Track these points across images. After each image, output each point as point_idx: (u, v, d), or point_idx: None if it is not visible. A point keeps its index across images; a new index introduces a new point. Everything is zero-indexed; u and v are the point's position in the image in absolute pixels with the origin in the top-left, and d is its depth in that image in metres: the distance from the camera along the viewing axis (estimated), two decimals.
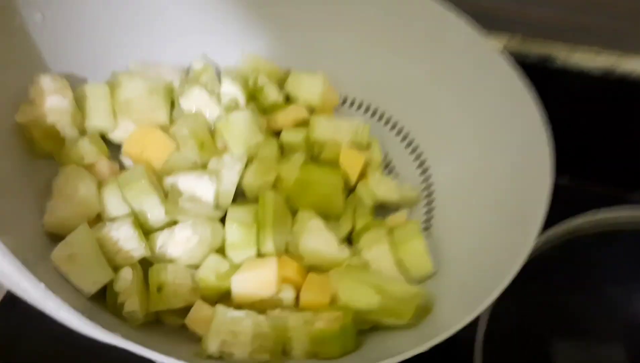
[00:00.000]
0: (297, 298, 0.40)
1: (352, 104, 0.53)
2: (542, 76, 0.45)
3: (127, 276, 0.36)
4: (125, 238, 0.37)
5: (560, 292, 0.51)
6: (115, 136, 0.44)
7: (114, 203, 0.39)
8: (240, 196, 0.45)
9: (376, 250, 0.42)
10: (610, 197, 0.57)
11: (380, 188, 0.46)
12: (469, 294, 0.38)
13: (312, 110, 0.50)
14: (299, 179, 0.44)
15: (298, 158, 0.46)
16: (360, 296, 0.38)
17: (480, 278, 0.38)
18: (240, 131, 0.45)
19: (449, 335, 0.33)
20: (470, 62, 0.46)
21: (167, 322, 0.38)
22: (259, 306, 0.39)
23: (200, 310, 0.38)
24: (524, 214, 0.38)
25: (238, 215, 0.41)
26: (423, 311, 0.37)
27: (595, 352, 0.51)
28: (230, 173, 0.43)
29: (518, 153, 0.41)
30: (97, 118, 0.43)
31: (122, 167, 0.44)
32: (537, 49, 0.51)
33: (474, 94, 0.46)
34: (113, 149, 0.44)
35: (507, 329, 0.46)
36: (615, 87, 0.50)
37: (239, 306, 0.39)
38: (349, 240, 0.45)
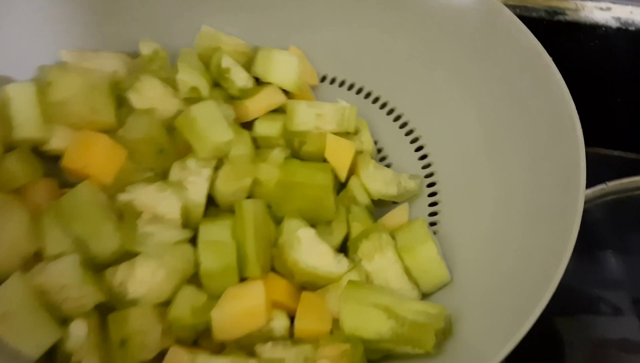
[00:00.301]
0: (291, 324, 0.34)
1: (332, 81, 0.45)
2: (550, 32, 0.39)
3: (79, 331, 0.29)
4: (72, 283, 0.30)
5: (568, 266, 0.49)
6: (50, 147, 0.36)
7: (55, 236, 0.32)
8: (211, 203, 0.38)
9: (379, 260, 0.36)
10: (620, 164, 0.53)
11: (375, 182, 0.40)
12: (495, 307, 0.32)
13: (287, 94, 0.42)
14: (281, 181, 0.37)
15: (277, 155, 0.39)
16: (368, 323, 0.32)
17: (507, 286, 0.32)
18: (205, 127, 0.37)
19: None
20: (468, 27, 0.39)
21: None
22: (247, 342, 0.33)
23: (176, 358, 0.31)
24: (558, 203, 0.32)
25: (212, 234, 0.34)
26: (443, 335, 0.32)
27: (608, 326, 0.47)
28: (197, 182, 0.36)
29: (539, 128, 0.35)
30: (26, 128, 0.35)
31: (63, 185, 0.36)
32: (543, 1, 0.44)
33: (475, 63, 0.39)
34: (50, 164, 0.36)
35: None
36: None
37: (222, 345, 0.33)
38: (344, 247, 0.38)
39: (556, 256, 0.30)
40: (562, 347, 0.47)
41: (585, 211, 0.51)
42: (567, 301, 0.50)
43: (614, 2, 0.44)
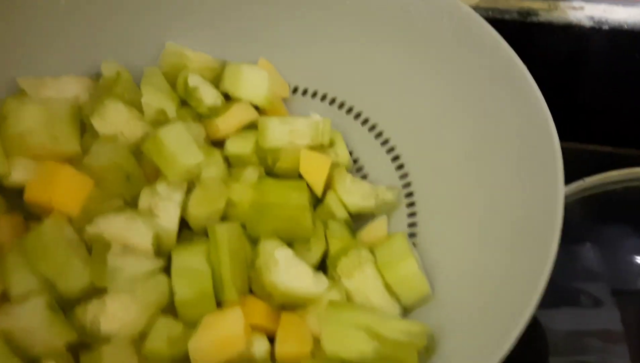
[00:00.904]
0: (272, 344, 0.33)
1: (304, 92, 0.44)
2: (523, 33, 0.38)
3: None
4: (40, 326, 0.28)
5: None
6: (12, 181, 0.34)
7: (21, 276, 0.30)
8: (185, 226, 0.37)
9: (359, 277, 0.35)
10: (599, 159, 0.53)
11: (353, 196, 0.39)
12: (478, 322, 0.32)
13: (258, 109, 0.41)
14: (255, 202, 0.36)
15: (250, 175, 0.38)
16: (350, 344, 0.31)
17: (489, 300, 0.32)
18: (173, 150, 0.36)
19: None
20: (442, 31, 0.38)
21: None
22: None
23: None
24: (536, 213, 0.31)
25: (185, 261, 0.33)
26: (426, 353, 0.31)
27: (589, 318, 0.48)
28: (168, 207, 0.35)
29: (517, 139, 0.34)
30: None
31: (27, 218, 0.34)
32: (515, 2, 0.44)
33: (448, 71, 0.38)
34: (11, 198, 0.35)
35: None
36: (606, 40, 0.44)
37: None
38: (323, 263, 0.37)
39: (538, 271, 0.30)
40: (545, 340, 0.47)
41: (564, 208, 0.51)
42: (548, 295, 0.50)
43: (587, 1, 0.44)
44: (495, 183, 0.35)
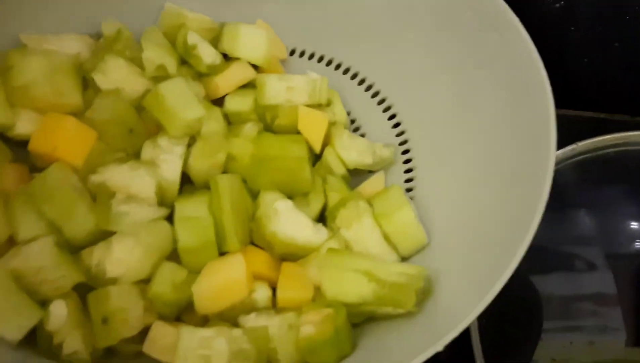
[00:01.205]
0: (273, 295, 0.34)
1: (302, 54, 0.45)
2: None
3: (59, 311, 0.29)
4: (48, 265, 0.29)
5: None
6: (16, 132, 0.35)
7: (28, 220, 0.31)
8: (186, 182, 0.37)
9: (357, 227, 0.36)
10: (592, 125, 0.54)
11: (350, 151, 0.40)
12: (471, 266, 0.33)
13: (256, 68, 0.42)
14: (255, 155, 0.37)
15: (250, 130, 0.39)
16: (349, 287, 0.32)
17: (483, 245, 0.33)
18: (174, 105, 0.36)
19: (465, 326, 0.27)
20: None
21: (122, 350, 0.31)
22: (230, 314, 0.33)
23: (160, 333, 0.31)
24: (530, 163, 0.32)
25: (188, 210, 0.34)
26: (423, 295, 0.32)
27: (583, 282, 0.49)
28: (170, 159, 0.36)
29: (509, 89, 0.35)
30: None
31: (32, 170, 0.35)
32: None
33: (442, 27, 0.39)
34: (17, 149, 0.35)
35: None
36: None
37: (205, 319, 0.33)
38: (322, 218, 0.38)
39: (529, 214, 0.30)
40: (539, 304, 0.48)
41: (556, 172, 0.52)
42: (542, 260, 0.51)
43: None
44: (488, 134, 0.36)
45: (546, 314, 0.48)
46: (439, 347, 0.27)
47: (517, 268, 0.53)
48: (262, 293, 0.34)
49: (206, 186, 0.36)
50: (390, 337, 0.31)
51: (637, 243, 0.51)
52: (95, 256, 0.31)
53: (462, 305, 0.29)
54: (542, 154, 0.32)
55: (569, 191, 0.51)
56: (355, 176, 0.41)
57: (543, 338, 0.47)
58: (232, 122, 0.40)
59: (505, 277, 0.29)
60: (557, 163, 0.48)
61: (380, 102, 0.43)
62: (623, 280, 0.50)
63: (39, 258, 0.29)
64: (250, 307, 0.33)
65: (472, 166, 0.37)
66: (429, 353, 0.26)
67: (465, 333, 0.38)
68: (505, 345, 0.46)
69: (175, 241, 0.33)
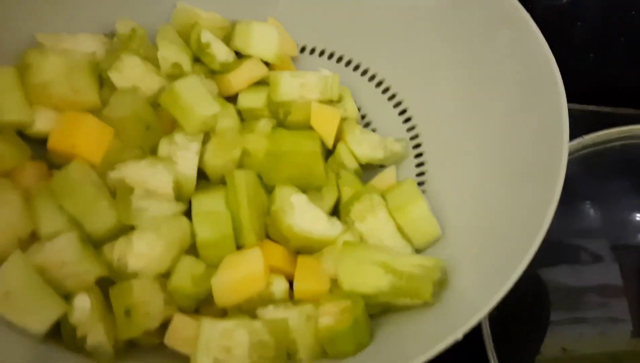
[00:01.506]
0: (290, 288, 0.35)
1: (312, 51, 0.45)
2: None
3: (83, 304, 0.29)
4: (72, 259, 0.30)
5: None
6: (35, 130, 0.35)
7: (49, 216, 0.31)
8: (202, 179, 0.38)
9: (372, 220, 0.36)
10: (598, 119, 0.54)
11: (362, 146, 0.40)
12: (486, 259, 0.33)
13: (268, 65, 0.43)
14: (270, 151, 0.38)
15: (264, 126, 0.39)
16: (366, 278, 0.33)
17: (497, 238, 0.33)
18: (190, 102, 0.37)
19: (483, 315, 0.28)
20: None
21: (143, 343, 0.32)
22: (248, 306, 0.34)
23: (181, 325, 0.31)
24: (543, 156, 0.33)
25: (206, 205, 0.35)
26: (439, 286, 0.32)
27: (589, 274, 0.49)
28: (187, 155, 0.36)
29: (520, 85, 0.36)
30: (9, 111, 0.34)
31: (50, 167, 0.35)
32: None
33: (453, 22, 0.40)
34: (36, 147, 0.36)
35: None
36: None
37: (223, 312, 0.34)
38: (335, 212, 0.39)
39: (543, 208, 0.31)
40: (547, 296, 0.49)
41: None
42: (549, 253, 0.51)
43: None
44: (500, 129, 0.37)
45: (553, 305, 0.49)
46: (459, 334, 0.27)
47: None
48: (279, 286, 0.34)
49: (222, 182, 0.37)
50: (408, 327, 0.32)
51: None
52: (117, 251, 0.32)
53: (478, 296, 0.30)
54: (556, 149, 0.32)
55: (575, 184, 0.51)
56: (367, 171, 0.41)
57: (551, 329, 0.47)
58: (245, 119, 0.41)
59: (521, 268, 0.29)
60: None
61: (391, 97, 0.43)
62: (629, 271, 0.50)
63: (63, 252, 0.30)
64: (267, 300, 0.34)
65: (484, 161, 0.37)
66: (448, 341, 0.27)
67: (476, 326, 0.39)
68: (514, 336, 0.46)
69: (193, 235, 0.34)
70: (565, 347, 0.47)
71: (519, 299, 0.50)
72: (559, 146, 0.32)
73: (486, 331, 0.40)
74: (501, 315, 0.42)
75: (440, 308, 0.32)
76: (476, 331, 0.39)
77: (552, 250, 0.52)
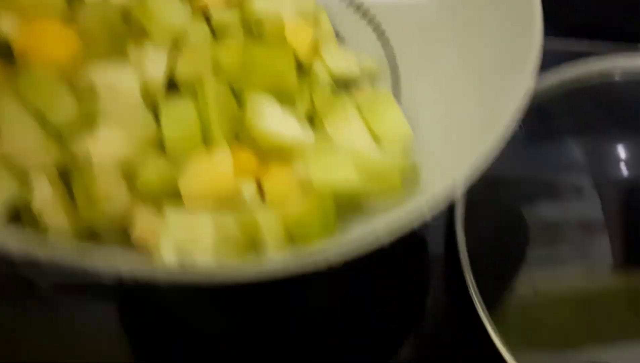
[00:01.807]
0: (261, 192, 0.34)
1: None
2: None
3: (43, 185, 0.29)
4: (34, 146, 0.29)
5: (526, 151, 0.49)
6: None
7: (12, 110, 0.31)
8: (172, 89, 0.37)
9: (345, 127, 0.36)
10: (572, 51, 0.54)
11: (338, 62, 0.40)
12: (457, 153, 0.33)
13: None
14: (242, 62, 0.37)
15: (236, 40, 0.39)
16: (337, 172, 0.32)
17: (468, 142, 0.33)
18: (161, 11, 0.37)
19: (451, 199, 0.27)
20: None
21: (106, 239, 0.31)
22: (217, 208, 0.33)
23: (145, 216, 0.31)
24: (516, 49, 0.32)
25: (174, 105, 0.34)
26: (411, 185, 0.32)
27: (570, 208, 0.49)
28: (156, 59, 0.36)
29: None
30: None
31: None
32: None
33: None
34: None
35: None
36: None
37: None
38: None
39: (514, 97, 0.31)
40: (525, 231, 0.48)
41: (542, 97, 0.52)
42: (530, 189, 0.51)
43: None
44: (473, 35, 0.37)
45: (531, 241, 0.48)
46: (425, 210, 0.27)
47: (504, 197, 0.53)
48: (249, 188, 0.34)
49: (193, 95, 0.36)
50: (377, 220, 0.31)
51: (623, 169, 0.51)
52: (80, 143, 0.31)
53: (446, 184, 0.29)
54: (528, 35, 0.32)
55: (554, 117, 0.51)
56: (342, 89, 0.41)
57: (528, 267, 0.47)
58: (217, 35, 0.40)
59: (488, 151, 0.29)
60: (542, 88, 0.48)
61: (364, 14, 0.43)
62: (610, 205, 0.50)
63: (25, 139, 0.29)
64: (237, 200, 0.33)
65: (458, 66, 0.37)
66: (415, 215, 0.26)
67: (458, 269, 0.38)
68: (492, 273, 0.45)
69: (160, 135, 0.33)
70: (537, 290, 0.46)
71: (499, 236, 0.50)
72: (530, 34, 0.32)
73: (466, 266, 0.40)
74: (481, 251, 0.41)
75: (410, 202, 0.31)
76: (457, 266, 0.39)
77: (532, 187, 0.52)
